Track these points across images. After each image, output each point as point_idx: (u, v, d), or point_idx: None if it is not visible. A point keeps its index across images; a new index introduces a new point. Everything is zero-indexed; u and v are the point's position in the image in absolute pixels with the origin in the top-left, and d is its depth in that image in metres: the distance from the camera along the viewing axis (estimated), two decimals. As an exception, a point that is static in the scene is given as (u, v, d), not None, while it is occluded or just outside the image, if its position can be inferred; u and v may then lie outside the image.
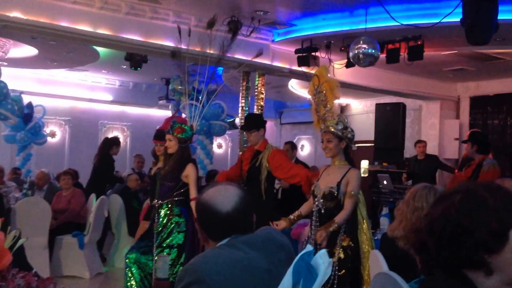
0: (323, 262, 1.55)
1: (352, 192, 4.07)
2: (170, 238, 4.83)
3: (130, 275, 4.83)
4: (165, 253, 4.75)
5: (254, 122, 5.41)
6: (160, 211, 4.90)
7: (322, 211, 4.14)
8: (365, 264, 4.11)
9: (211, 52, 5.31)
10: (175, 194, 4.87)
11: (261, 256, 1.86)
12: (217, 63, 5.50)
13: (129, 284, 4.83)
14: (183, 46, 5.30)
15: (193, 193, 4.82)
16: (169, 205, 4.88)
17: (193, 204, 4.76)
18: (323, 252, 1.58)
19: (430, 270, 2.21)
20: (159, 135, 5.59)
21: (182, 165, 4.87)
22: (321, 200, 4.15)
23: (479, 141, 6.46)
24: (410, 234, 2.33)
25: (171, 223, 4.84)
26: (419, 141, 9.90)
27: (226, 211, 1.89)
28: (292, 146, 8.15)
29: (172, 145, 4.90)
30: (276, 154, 5.23)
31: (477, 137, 6.57)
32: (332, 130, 4.16)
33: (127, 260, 4.86)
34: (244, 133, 5.35)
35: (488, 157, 6.48)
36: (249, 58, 7.04)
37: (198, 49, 5.60)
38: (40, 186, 8.16)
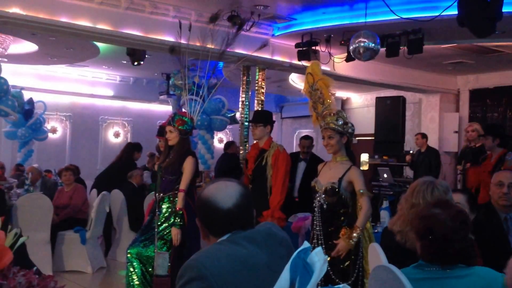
0: (318, 260, 1.55)
1: (361, 191, 4.08)
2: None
3: (131, 269, 4.84)
4: (167, 246, 4.78)
5: (263, 117, 5.43)
6: (162, 204, 4.90)
7: (324, 206, 4.17)
8: (367, 258, 4.14)
9: (212, 47, 5.31)
10: (176, 187, 4.87)
11: (261, 251, 1.87)
12: (219, 58, 5.51)
13: (130, 278, 4.84)
14: (183, 41, 5.30)
15: (183, 184, 4.79)
16: (171, 198, 4.88)
17: (180, 195, 4.76)
18: (318, 249, 1.59)
19: (430, 255, 2.27)
20: (162, 131, 5.60)
21: (182, 157, 4.86)
22: (323, 196, 4.17)
23: (501, 135, 6.44)
24: (415, 221, 2.39)
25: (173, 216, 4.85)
26: (416, 134, 9.97)
27: (227, 207, 1.90)
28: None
29: (173, 137, 4.91)
30: (280, 158, 5.21)
31: (498, 131, 6.54)
32: (333, 126, 4.18)
33: (128, 255, 4.86)
34: (250, 125, 5.36)
35: (507, 150, 6.43)
36: (249, 53, 7.04)
37: (198, 44, 5.60)
38: (32, 182, 8.18)
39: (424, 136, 9.78)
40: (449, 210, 2.37)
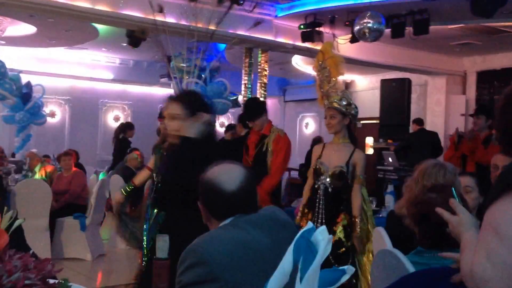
0: (323, 239, 1.49)
1: (361, 176, 4.10)
2: None
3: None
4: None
5: (256, 110, 5.24)
6: None
7: (330, 190, 4.11)
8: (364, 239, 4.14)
9: (203, 26, 5.18)
10: None
11: (264, 235, 1.85)
12: (211, 38, 5.39)
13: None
14: (168, 20, 5.20)
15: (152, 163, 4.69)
16: None
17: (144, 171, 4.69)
18: (323, 228, 1.51)
19: (428, 241, 2.17)
20: None
21: None
22: (328, 179, 4.11)
23: (493, 115, 6.38)
24: (410, 207, 2.31)
25: None
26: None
27: (230, 190, 1.88)
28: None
29: None
30: (280, 141, 5.08)
31: (491, 111, 6.48)
32: (336, 106, 4.14)
33: None
34: (248, 122, 5.24)
35: (492, 132, 6.41)
36: (251, 34, 6.91)
37: (200, 25, 5.49)
38: (31, 167, 8.07)
39: (414, 121, 9.78)
40: (444, 194, 2.27)
